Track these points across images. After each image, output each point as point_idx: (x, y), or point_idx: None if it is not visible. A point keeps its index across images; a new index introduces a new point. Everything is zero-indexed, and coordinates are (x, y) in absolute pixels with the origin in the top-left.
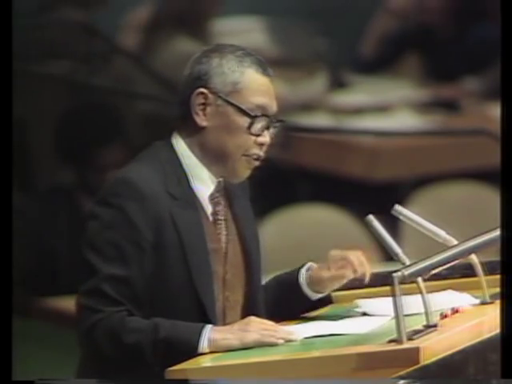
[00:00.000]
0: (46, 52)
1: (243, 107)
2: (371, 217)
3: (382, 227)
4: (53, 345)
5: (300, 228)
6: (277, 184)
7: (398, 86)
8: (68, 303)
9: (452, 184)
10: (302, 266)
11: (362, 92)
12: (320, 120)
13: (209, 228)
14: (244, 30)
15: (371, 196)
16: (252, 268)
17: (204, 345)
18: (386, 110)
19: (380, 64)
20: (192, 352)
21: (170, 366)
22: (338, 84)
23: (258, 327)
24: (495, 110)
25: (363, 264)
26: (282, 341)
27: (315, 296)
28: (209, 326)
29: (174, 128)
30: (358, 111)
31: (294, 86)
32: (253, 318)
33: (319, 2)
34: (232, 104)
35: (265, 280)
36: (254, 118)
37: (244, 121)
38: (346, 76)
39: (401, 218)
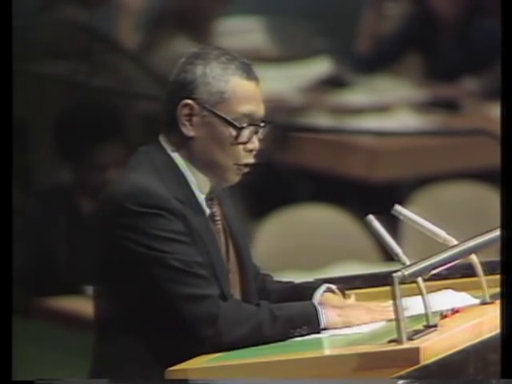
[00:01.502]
0: (46, 52)
1: (229, 118)
2: (371, 217)
3: (382, 227)
4: (53, 345)
5: (300, 228)
6: (277, 184)
7: (398, 86)
8: (68, 303)
9: (452, 184)
10: (318, 287)
11: (361, 92)
12: (320, 120)
13: (213, 228)
14: (244, 30)
15: (371, 196)
16: (245, 264)
17: (324, 320)
18: (386, 110)
19: (380, 64)
20: (313, 327)
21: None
22: (337, 84)
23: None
24: (495, 110)
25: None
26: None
27: None
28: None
29: (161, 132)
30: (358, 111)
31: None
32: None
33: (319, 2)
34: (218, 115)
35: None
36: (240, 129)
37: (231, 131)
38: (345, 76)
39: (401, 217)
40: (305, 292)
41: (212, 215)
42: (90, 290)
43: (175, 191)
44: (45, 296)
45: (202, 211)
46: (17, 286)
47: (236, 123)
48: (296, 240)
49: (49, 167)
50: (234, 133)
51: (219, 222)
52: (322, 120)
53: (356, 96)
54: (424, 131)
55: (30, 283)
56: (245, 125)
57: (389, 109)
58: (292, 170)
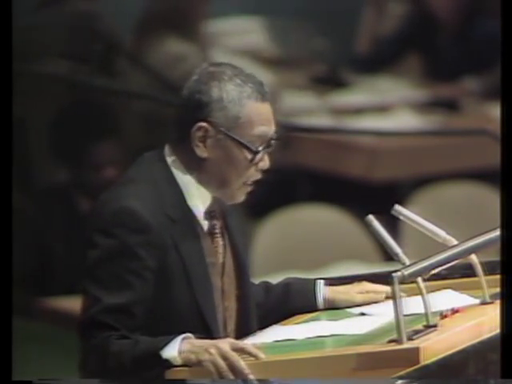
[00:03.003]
0: (46, 52)
1: (245, 142)
2: (371, 217)
3: (382, 227)
4: (53, 345)
5: (300, 228)
6: (277, 184)
7: (398, 86)
8: (67, 303)
9: (452, 184)
10: (317, 280)
11: (361, 92)
12: (320, 120)
13: (207, 243)
14: (244, 30)
15: (371, 196)
16: (244, 275)
17: (174, 354)
18: (386, 110)
19: (379, 64)
20: (163, 362)
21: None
22: (338, 84)
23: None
24: (495, 110)
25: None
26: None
27: (324, 306)
28: (181, 337)
29: (168, 144)
30: (358, 111)
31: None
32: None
33: (319, 2)
34: (234, 139)
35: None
36: (256, 153)
37: (246, 155)
38: (346, 76)
39: (401, 218)
40: (302, 286)
41: (211, 227)
42: None
43: (169, 207)
44: (45, 296)
45: (197, 225)
46: (17, 286)
47: (252, 147)
48: (296, 240)
49: (48, 167)
50: (249, 156)
51: (218, 235)
52: (322, 120)
53: (356, 96)
54: (424, 131)
55: (30, 283)
56: (260, 148)
57: (389, 109)
58: (292, 170)
